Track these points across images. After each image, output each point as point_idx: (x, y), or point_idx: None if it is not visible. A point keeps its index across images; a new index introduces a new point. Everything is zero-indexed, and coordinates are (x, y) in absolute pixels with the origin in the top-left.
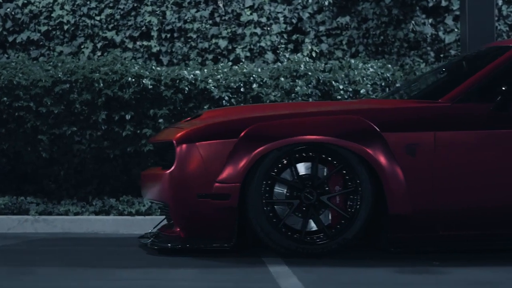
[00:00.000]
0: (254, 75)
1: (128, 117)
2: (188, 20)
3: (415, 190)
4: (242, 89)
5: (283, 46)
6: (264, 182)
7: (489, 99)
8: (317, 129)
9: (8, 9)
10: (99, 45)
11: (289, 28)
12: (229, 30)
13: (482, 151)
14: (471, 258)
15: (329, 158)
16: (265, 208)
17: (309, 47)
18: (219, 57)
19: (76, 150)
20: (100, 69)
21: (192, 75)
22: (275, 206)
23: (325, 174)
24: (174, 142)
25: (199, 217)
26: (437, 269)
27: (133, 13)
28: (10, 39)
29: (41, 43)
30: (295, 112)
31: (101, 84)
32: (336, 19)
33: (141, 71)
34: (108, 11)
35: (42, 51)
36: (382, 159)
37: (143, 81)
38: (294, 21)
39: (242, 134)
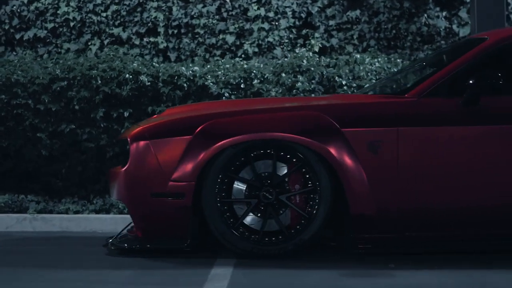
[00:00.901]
0: (254, 71)
1: (126, 114)
2: (195, 16)
3: (378, 189)
4: (242, 85)
5: (286, 41)
6: (219, 181)
7: (459, 93)
8: (273, 125)
9: (14, 7)
10: (106, 42)
11: (297, 23)
12: (236, 26)
13: (450, 149)
14: (433, 260)
15: (288, 156)
16: (220, 208)
17: (313, 42)
18: (227, 53)
19: (83, 148)
20: (98, 66)
21: (190, 71)
22: (234, 206)
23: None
24: (128, 139)
25: (155, 217)
26: (387, 272)
27: (139, 9)
28: (18, 36)
29: (48, 40)
30: (253, 108)
31: (99, 81)
32: (346, 13)
33: (140, 67)
34: (114, 7)
35: (49, 48)
36: (342, 157)
37: (141, 78)
38: (303, 15)
39: (197, 131)
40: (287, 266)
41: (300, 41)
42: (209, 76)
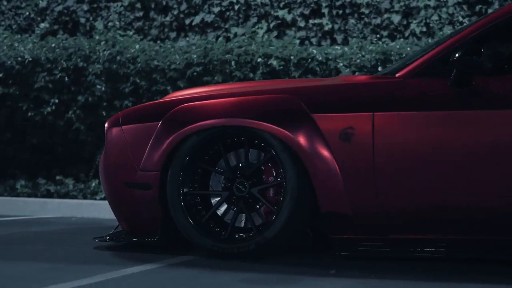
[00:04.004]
0: (393, 53)
1: None
2: None
3: (354, 184)
4: (380, 68)
5: (436, 20)
6: (183, 171)
7: (451, 73)
8: (236, 110)
9: None
10: (272, 25)
11: None
12: (402, 4)
13: (436, 138)
14: (390, 271)
15: (263, 145)
16: (182, 200)
17: (461, 19)
18: (394, 33)
19: None
20: (234, 51)
21: (323, 54)
22: (212, 200)
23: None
24: (106, 125)
25: (129, 208)
26: (300, 278)
27: None
28: (187, 21)
29: (216, 25)
30: (222, 92)
31: (233, 66)
32: None
33: (273, 51)
34: None
35: (218, 33)
36: (310, 146)
37: (270, 62)
38: None
39: (164, 117)
40: (213, 267)
41: (474, 19)
42: (341, 59)
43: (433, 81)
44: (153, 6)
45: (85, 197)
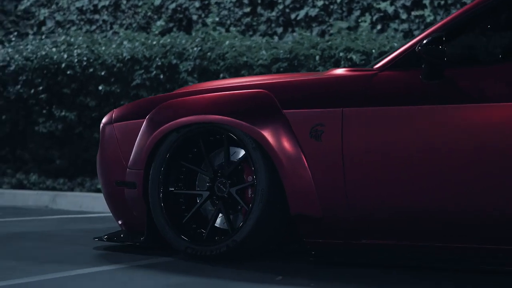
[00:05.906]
0: None
1: None
2: None
3: (323, 186)
4: None
5: None
6: (164, 169)
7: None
8: (209, 107)
9: None
10: (375, 18)
11: None
12: None
13: (409, 135)
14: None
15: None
16: (162, 199)
17: None
18: None
19: None
20: (319, 45)
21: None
22: (198, 199)
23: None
24: (102, 122)
25: (123, 207)
26: (235, 284)
27: None
28: (293, 16)
29: (319, 19)
30: (204, 88)
31: (317, 61)
32: None
33: (354, 44)
34: None
35: (323, 28)
36: (279, 143)
37: (351, 56)
38: None
39: (149, 114)
40: (165, 269)
41: None
42: None
43: (406, 74)
44: (259, 1)
45: None
